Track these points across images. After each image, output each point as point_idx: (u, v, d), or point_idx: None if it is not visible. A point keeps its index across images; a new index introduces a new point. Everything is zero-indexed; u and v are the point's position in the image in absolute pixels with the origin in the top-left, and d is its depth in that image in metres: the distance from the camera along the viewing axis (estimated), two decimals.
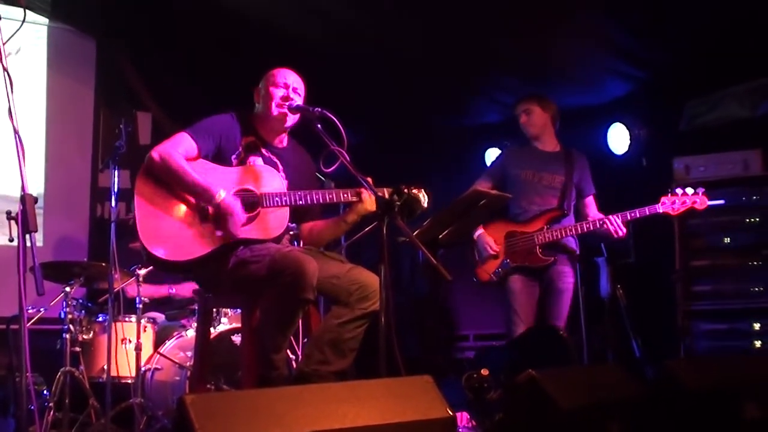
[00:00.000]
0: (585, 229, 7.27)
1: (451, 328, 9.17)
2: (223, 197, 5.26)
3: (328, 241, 6.01)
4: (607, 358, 7.93)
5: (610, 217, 7.17)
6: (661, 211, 7.15)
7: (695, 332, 8.30)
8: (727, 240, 8.27)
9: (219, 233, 5.31)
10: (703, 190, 7.22)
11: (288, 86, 5.61)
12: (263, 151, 5.61)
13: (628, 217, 7.14)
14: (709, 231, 8.30)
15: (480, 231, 7.45)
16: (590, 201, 7.63)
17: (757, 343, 8.01)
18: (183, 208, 5.34)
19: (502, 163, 7.66)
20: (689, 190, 7.18)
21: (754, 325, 8.04)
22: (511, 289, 7.40)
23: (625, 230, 7.15)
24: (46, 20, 9.30)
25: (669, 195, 7.18)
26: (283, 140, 5.76)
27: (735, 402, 5.31)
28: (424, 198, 5.49)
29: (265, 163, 5.57)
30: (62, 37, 9.47)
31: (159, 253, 5.24)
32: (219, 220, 5.30)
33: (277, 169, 5.61)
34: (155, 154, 5.32)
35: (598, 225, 7.21)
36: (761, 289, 8.05)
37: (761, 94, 8.41)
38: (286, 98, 5.57)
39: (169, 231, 5.28)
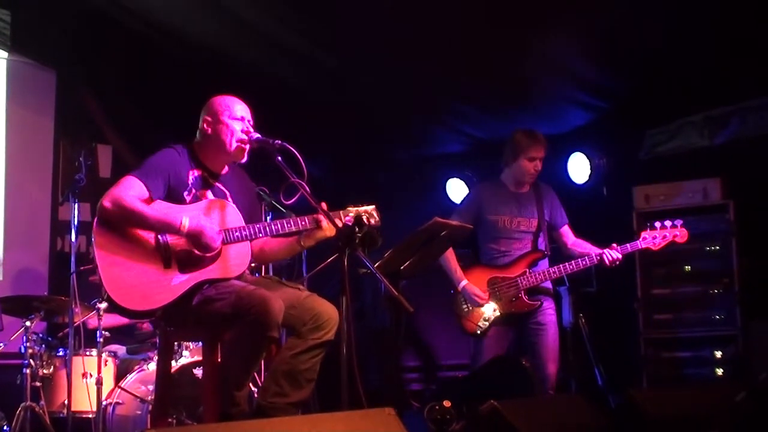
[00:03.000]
0: (570, 270, 7.23)
1: (413, 359, 9.15)
2: (188, 223, 5.21)
3: (281, 260, 5.99)
4: (570, 388, 7.93)
5: (605, 251, 7.16)
6: (642, 246, 7.21)
7: (657, 360, 8.33)
8: (687, 268, 8.33)
9: (185, 276, 5.27)
10: (682, 222, 7.26)
11: (244, 119, 5.56)
12: (212, 182, 5.57)
13: (626, 251, 7.19)
14: (669, 259, 8.33)
15: (464, 281, 7.29)
16: (565, 230, 7.56)
17: (719, 371, 8.04)
18: (144, 255, 5.25)
19: (478, 205, 7.43)
20: (668, 223, 7.22)
21: (716, 352, 8.09)
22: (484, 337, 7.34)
23: (620, 256, 7.16)
24: (5, 53, 9.26)
25: (648, 230, 7.24)
26: (225, 167, 5.70)
27: (698, 430, 5.33)
28: (375, 215, 5.49)
29: (215, 195, 5.53)
30: (22, 70, 9.42)
31: (127, 304, 5.18)
32: (189, 258, 5.28)
33: (227, 198, 5.57)
34: (106, 202, 5.19)
35: (584, 264, 7.22)
36: (722, 316, 8.11)
37: (719, 123, 8.49)
38: (246, 133, 5.53)
39: (133, 281, 5.20)
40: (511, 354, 7.40)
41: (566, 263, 7.24)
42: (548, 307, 7.38)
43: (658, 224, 7.23)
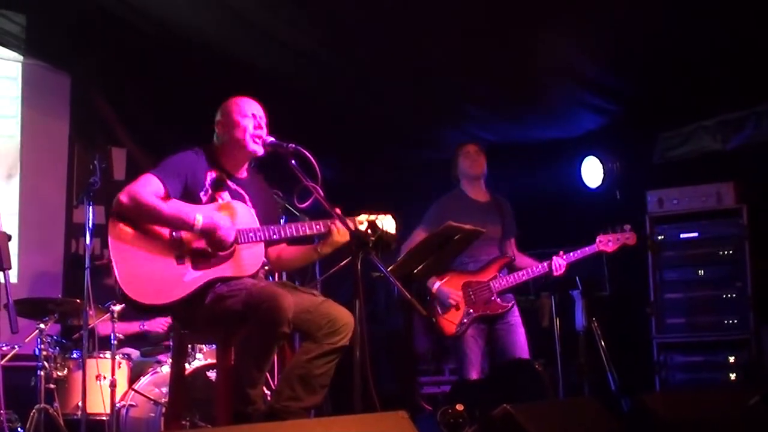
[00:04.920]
0: (533, 275, 7.49)
1: (426, 362, 9.15)
2: (201, 220, 5.24)
3: (298, 268, 6.00)
4: (583, 392, 7.93)
5: (553, 259, 7.42)
6: (598, 249, 7.44)
7: (670, 365, 8.33)
8: (700, 272, 8.32)
9: (198, 273, 5.29)
10: (630, 226, 7.46)
11: (255, 116, 5.60)
12: (229, 183, 5.58)
13: (572, 259, 7.43)
14: (682, 263, 8.34)
15: (438, 284, 7.51)
16: (512, 242, 7.84)
17: (732, 375, 8.03)
18: (158, 250, 5.28)
19: (440, 215, 7.50)
20: (618, 228, 7.46)
21: (729, 357, 8.07)
22: (464, 337, 7.49)
23: (563, 270, 7.42)
24: (20, 56, 9.29)
25: (602, 234, 7.45)
26: (244, 171, 5.73)
27: None
28: (391, 223, 5.50)
29: (232, 197, 5.54)
30: (37, 73, 9.46)
31: (140, 298, 5.20)
32: (202, 255, 5.31)
33: (244, 201, 5.59)
34: (123, 196, 5.25)
35: (543, 270, 7.46)
36: (735, 321, 8.09)
37: (732, 127, 8.48)
38: (257, 127, 5.57)
39: (147, 275, 5.23)
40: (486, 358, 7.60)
41: (530, 268, 7.51)
42: (514, 309, 7.61)
43: (610, 229, 7.47)
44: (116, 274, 5.20)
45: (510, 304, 7.51)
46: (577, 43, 7.75)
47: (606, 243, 7.41)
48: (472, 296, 7.48)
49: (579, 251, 7.42)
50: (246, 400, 5.18)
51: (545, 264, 7.42)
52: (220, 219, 5.31)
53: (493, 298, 7.46)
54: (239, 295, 5.24)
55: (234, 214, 5.43)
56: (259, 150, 5.57)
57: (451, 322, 7.47)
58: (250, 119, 5.57)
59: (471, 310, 7.46)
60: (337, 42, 8.17)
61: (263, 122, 5.62)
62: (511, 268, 7.62)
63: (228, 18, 7.99)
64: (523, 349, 7.48)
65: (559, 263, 7.38)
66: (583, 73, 8.29)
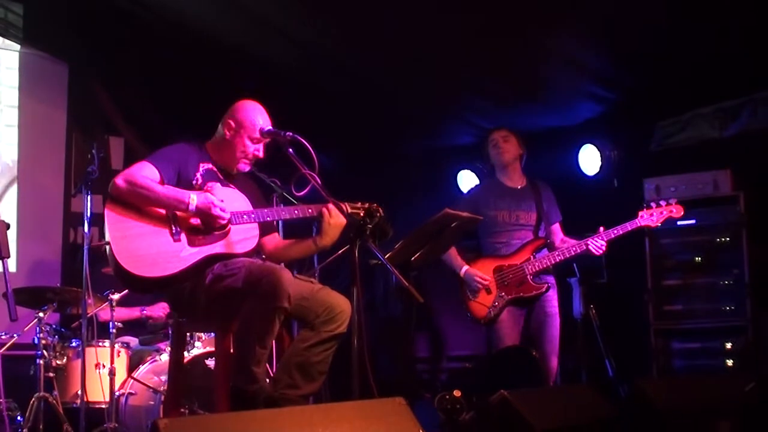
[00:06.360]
0: (569, 255, 7.38)
1: (424, 349, 9.16)
2: (196, 199, 5.33)
3: (293, 259, 6.03)
4: (581, 378, 7.95)
5: (589, 239, 7.30)
6: (641, 224, 7.35)
7: (667, 351, 8.33)
8: (698, 259, 8.31)
9: (194, 249, 5.35)
10: (676, 200, 7.43)
11: (261, 141, 5.64)
12: (220, 176, 5.66)
13: (612, 236, 7.30)
14: (680, 250, 8.34)
15: (465, 267, 7.48)
16: (556, 228, 7.75)
17: (729, 362, 8.04)
18: (154, 228, 5.35)
19: (473, 203, 7.53)
20: (663, 202, 7.39)
21: (726, 343, 8.07)
22: (499, 321, 7.42)
23: (604, 249, 7.30)
24: (18, 46, 9.29)
25: (645, 209, 7.38)
26: (234, 169, 5.80)
27: (707, 421, 5.35)
28: (378, 211, 5.52)
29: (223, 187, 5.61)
30: (34, 62, 9.44)
31: (138, 271, 5.23)
32: (197, 229, 5.38)
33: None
34: (119, 179, 5.33)
35: (581, 249, 7.35)
36: (732, 308, 8.09)
37: (730, 115, 8.48)
38: (255, 155, 5.67)
39: (144, 250, 5.27)
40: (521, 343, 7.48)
41: (566, 248, 7.41)
42: (553, 296, 7.55)
43: (653, 204, 7.41)
44: (114, 250, 5.24)
45: (544, 286, 7.41)
46: (576, 33, 7.75)
47: (649, 217, 7.33)
48: (504, 280, 7.42)
49: (619, 227, 7.32)
50: (250, 379, 5.19)
51: (582, 243, 7.33)
52: (214, 198, 5.37)
53: (527, 279, 7.38)
54: (238, 274, 5.29)
55: (226, 198, 5.48)
56: (246, 169, 5.72)
57: (481, 305, 7.43)
58: (256, 144, 5.65)
59: (503, 293, 7.39)
60: (339, 33, 8.17)
61: (263, 148, 5.69)
62: (551, 250, 7.54)
63: (228, 7, 7.99)
64: (555, 346, 7.44)
65: (599, 243, 7.28)
66: (581, 63, 8.29)
